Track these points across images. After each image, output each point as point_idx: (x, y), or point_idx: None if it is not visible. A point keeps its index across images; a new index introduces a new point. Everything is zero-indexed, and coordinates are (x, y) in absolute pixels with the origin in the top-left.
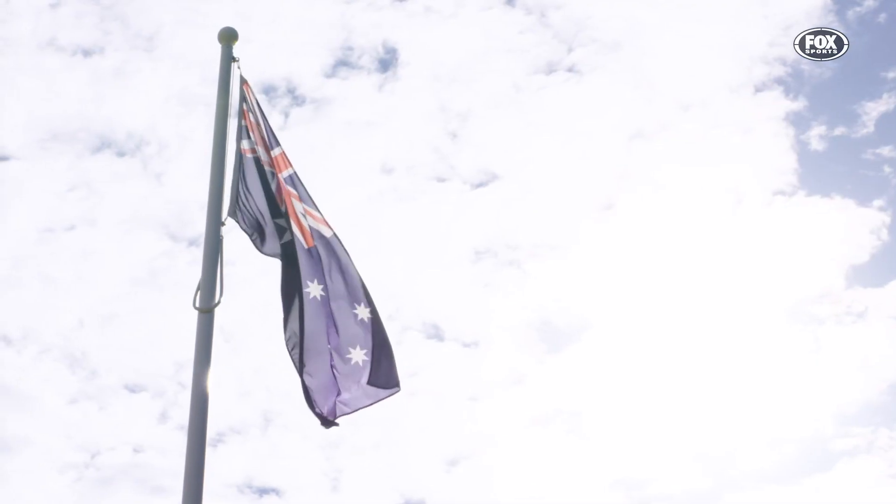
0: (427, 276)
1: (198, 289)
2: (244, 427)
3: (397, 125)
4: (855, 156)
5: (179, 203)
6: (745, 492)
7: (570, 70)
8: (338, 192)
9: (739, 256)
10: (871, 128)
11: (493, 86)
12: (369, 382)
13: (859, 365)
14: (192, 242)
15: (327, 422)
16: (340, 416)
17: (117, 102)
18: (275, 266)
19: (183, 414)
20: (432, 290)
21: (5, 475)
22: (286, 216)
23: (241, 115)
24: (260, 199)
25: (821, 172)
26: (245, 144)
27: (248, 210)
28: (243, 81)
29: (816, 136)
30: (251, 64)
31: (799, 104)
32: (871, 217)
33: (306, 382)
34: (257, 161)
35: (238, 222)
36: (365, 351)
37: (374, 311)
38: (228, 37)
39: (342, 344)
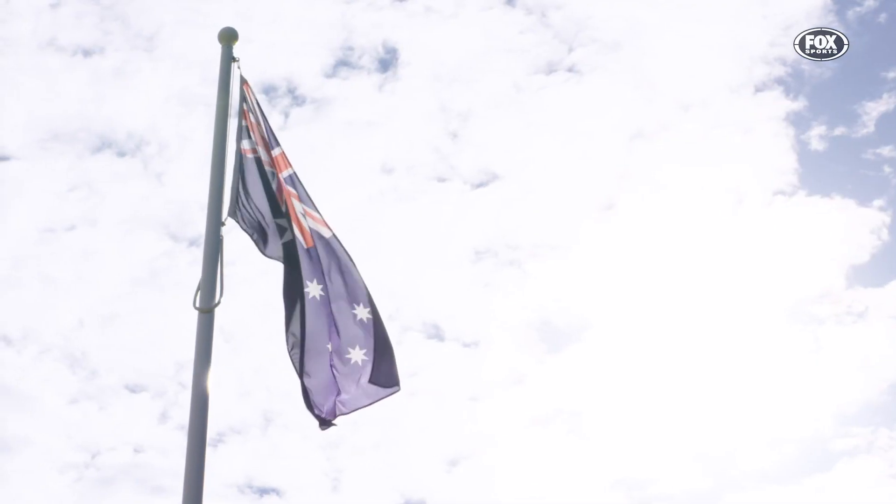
0: (427, 276)
1: (198, 289)
2: (244, 427)
3: (398, 125)
4: (855, 156)
5: (180, 203)
6: (746, 492)
7: (570, 70)
8: (338, 192)
9: (740, 256)
10: (871, 128)
11: (493, 86)
12: (369, 382)
13: (859, 365)
14: (192, 242)
15: (325, 422)
16: (340, 415)
17: (118, 102)
18: (275, 266)
19: (183, 414)
20: (432, 290)
21: (5, 475)
22: (287, 216)
23: (242, 115)
24: (261, 199)
25: (821, 172)
26: (245, 144)
27: (248, 210)
28: (243, 81)
29: (817, 136)
30: (251, 64)
31: (799, 104)
32: (872, 217)
33: (306, 383)
34: (258, 161)
35: (238, 222)
36: (364, 351)
37: (374, 312)
38: (228, 37)
39: (342, 344)
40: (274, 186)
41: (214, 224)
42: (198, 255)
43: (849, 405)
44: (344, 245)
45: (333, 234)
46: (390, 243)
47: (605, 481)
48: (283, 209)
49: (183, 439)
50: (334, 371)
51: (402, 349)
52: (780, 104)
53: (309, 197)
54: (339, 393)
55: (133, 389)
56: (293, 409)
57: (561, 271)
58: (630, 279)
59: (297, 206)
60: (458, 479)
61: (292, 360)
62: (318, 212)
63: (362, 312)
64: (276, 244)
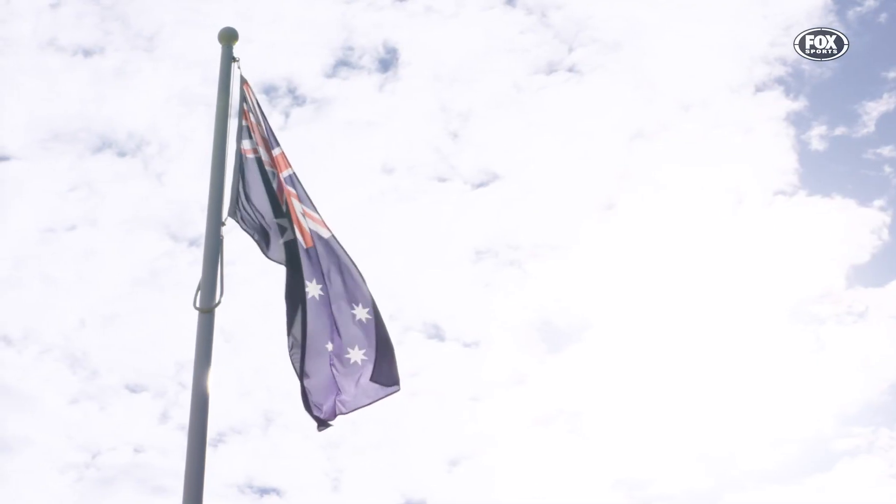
0: (428, 276)
1: (198, 289)
2: (245, 427)
3: (398, 125)
4: (855, 156)
5: (180, 203)
6: (747, 492)
7: (570, 70)
8: (338, 192)
9: (740, 257)
10: (871, 128)
11: (493, 86)
12: (369, 382)
13: (860, 365)
14: (192, 242)
15: (322, 423)
16: (339, 415)
17: (118, 102)
18: (275, 266)
19: (183, 414)
20: (433, 290)
21: (6, 475)
22: (288, 216)
23: (242, 115)
24: (262, 199)
25: (821, 172)
26: (246, 144)
27: (249, 210)
28: (244, 81)
29: (817, 135)
30: (251, 64)
31: (799, 104)
32: (872, 217)
33: (305, 384)
34: (259, 161)
35: (238, 222)
36: (364, 351)
37: (373, 311)
38: (229, 37)
39: (342, 344)
40: (275, 186)
41: (214, 224)
42: (198, 255)
43: (849, 405)
44: (343, 245)
45: (332, 235)
46: (390, 243)
47: (605, 481)
48: (284, 209)
49: (183, 439)
50: (334, 371)
51: (403, 349)
52: (780, 104)
53: (308, 197)
54: (338, 393)
55: (133, 389)
56: (293, 409)
57: (561, 271)
58: (630, 279)
59: (297, 206)
60: (458, 479)
61: (292, 362)
62: (317, 212)
63: (361, 313)
64: (277, 245)
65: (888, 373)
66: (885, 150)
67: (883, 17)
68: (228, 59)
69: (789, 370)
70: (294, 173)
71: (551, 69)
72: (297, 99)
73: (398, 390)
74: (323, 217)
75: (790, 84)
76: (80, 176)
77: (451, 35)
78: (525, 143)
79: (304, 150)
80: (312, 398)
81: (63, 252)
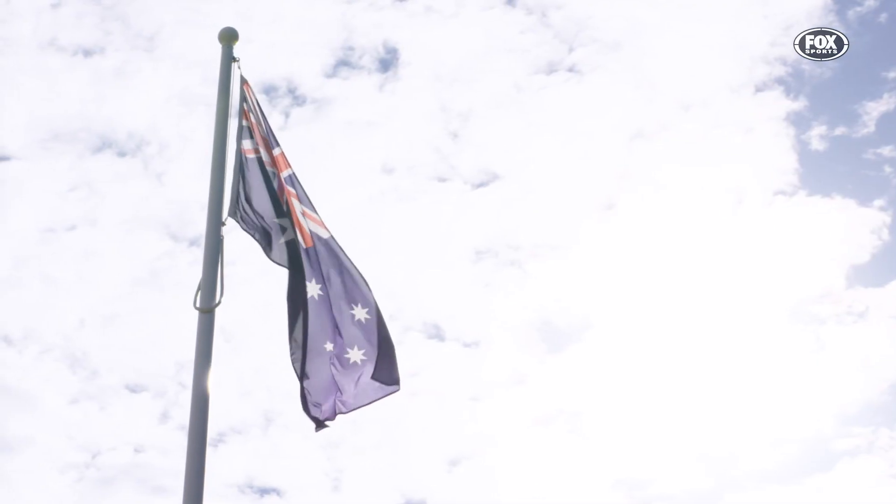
0: (428, 276)
1: (198, 289)
2: (245, 427)
3: (398, 125)
4: (856, 156)
5: (180, 203)
6: (747, 492)
7: (570, 70)
8: (338, 192)
9: (740, 257)
10: (871, 128)
11: (493, 86)
12: (369, 381)
13: (860, 365)
14: (192, 242)
15: (320, 424)
16: (339, 414)
17: (118, 102)
18: (275, 266)
19: (184, 414)
20: (433, 290)
21: (6, 475)
22: (288, 216)
23: (242, 115)
24: (263, 198)
25: (821, 172)
26: (247, 144)
27: (249, 210)
28: (244, 81)
29: (817, 135)
30: (251, 64)
31: (799, 104)
32: (872, 217)
33: (305, 385)
34: (260, 161)
35: (238, 222)
36: (363, 351)
37: (373, 311)
38: (229, 37)
39: (342, 344)
40: (275, 186)
41: (215, 224)
42: (198, 255)
43: (849, 405)
44: (341, 246)
45: (331, 236)
46: (390, 243)
47: (605, 481)
48: (285, 209)
49: (183, 439)
50: (334, 371)
51: (403, 349)
52: (780, 104)
53: (307, 197)
54: (338, 392)
55: (133, 389)
56: (293, 409)
57: (561, 271)
58: (630, 279)
59: (297, 207)
60: (458, 479)
61: (293, 364)
62: (316, 213)
63: (360, 313)
64: (279, 246)
65: (888, 373)
66: (885, 150)
67: (883, 17)
68: (228, 59)
69: (789, 370)
70: (294, 173)
71: (551, 69)
72: (297, 99)
73: (398, 390)
74: (322, 218)
75: (790, 84)
76: (80, 176)
77: (451, 35)
78: (525, 143)
79: (304, 150)
80: (312, 398)
81: (63, 252)
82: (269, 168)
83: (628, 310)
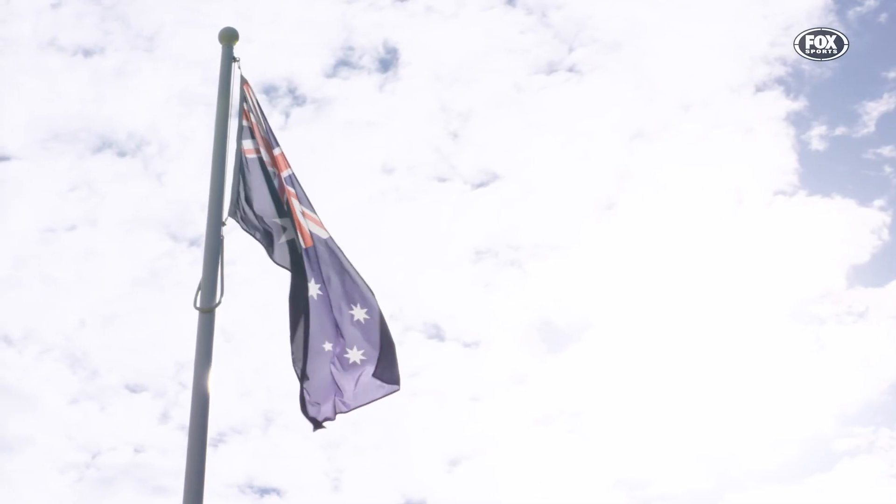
0: (428, 276)
1: (198, 289)
2: (245, 427)
3: (398, 125)
4: (856, 156)
5: (180, 203)
6: (747, 492)
7: (570, 70)
8: (339, 192)
9: (740, 256)
10: (871, 127)
11: (493, 86)
12: (368, 381)
13: (860, 365)
14: (192, 242)
15: (317, 424)
16: (339, 413)
17: (118, 102)
18: (275, 266)
19: (184, 414)
20: (433, 290)
21: (6, 475)
22: (289, 215)
23: (242, 115)
24: (264, 198)
25: (821, 172)
26: (247, 144)
27: (249, 210)
28: (244, 81)
29: (817, 135)
30: (252, 64)
31: (799, 104)
32: (872, 217)
33: (305, 386)
34: (260, 161)
35: (238, 222)
36: (362, 351)
37: (372, 311)
38: (229, 37)
39: (342, 344)
40: (276, 186)
41: (215, 224)
42: (198, 255)
43: (850, 405)
44: (340, 246)
45: (330, 236)
46: (390, 243)
47: (606, 481)
48: (285, 209)
49: (183, 439)
50: (333, 370)
51: (403, 349)
52: (780, 104)
53: (307, 198)
54: (338, 392)
55: (134, 389)
56: (293, 409)
57: (561, 271)
58: (630, 279)
59: (297, 206)
60: (458, 479)
61: (294, 365)
62: (315, 213)
63: (359, 313)
64: (280, 246)
65: (888, 373)
66: (885, 150)
67: (883, 17)
68: (229, 59)
69: (789, 370)
70: (293, 173)
71: (551, 69)
72: (297, 99)
73: (398, 390)
74: (321, 218)
75: (790, 84)
76: (80, 176)
77: (451, 35)
78: (525, 143)
79: (304, 150)
80: (311, 398)
81: (63, 252)
82: (269, 168)
83: (628, 310)
